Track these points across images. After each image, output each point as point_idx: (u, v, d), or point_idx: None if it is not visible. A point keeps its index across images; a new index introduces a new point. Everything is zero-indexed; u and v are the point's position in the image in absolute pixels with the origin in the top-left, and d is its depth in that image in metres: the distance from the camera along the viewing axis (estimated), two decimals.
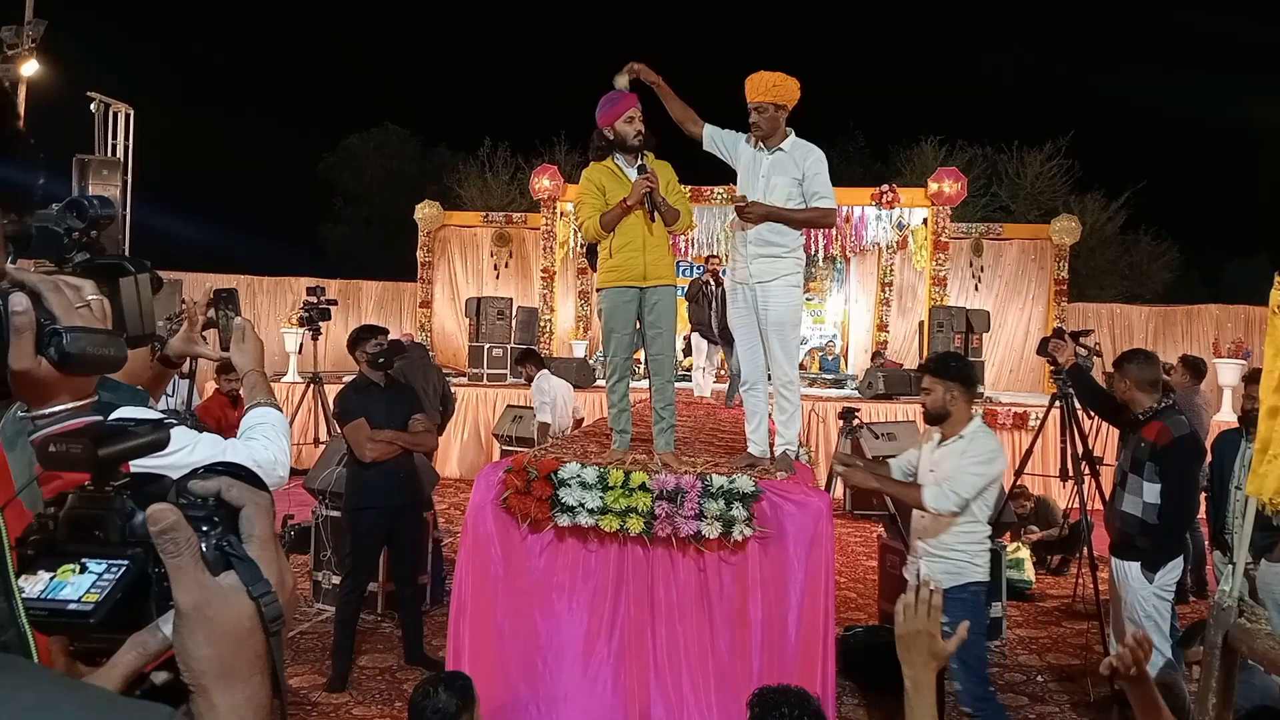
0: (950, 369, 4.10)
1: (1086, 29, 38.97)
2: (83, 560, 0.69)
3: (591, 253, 4.35)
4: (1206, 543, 6.50)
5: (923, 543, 4.04)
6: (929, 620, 1.72)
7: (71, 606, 0.66)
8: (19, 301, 0.86)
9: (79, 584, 0.68)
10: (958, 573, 3.89)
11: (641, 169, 4.01)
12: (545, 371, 7.68)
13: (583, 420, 8.42)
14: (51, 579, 0.68)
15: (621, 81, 4.05)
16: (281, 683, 0.72)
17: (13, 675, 0.59)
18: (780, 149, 4.02)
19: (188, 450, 2.05)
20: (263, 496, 0.75)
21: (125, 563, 0.69)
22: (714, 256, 9.73)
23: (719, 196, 13.83)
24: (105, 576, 0.68)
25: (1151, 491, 4.23)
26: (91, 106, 11.39)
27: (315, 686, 4.99)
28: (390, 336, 5.53)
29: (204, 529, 0.70)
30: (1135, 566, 4.24)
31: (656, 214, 3.99)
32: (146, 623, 0.68)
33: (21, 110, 9.95)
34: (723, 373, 8.93)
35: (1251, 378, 4.95)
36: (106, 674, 0.68)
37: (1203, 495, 5.66)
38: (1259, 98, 27.73)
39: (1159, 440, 4.26)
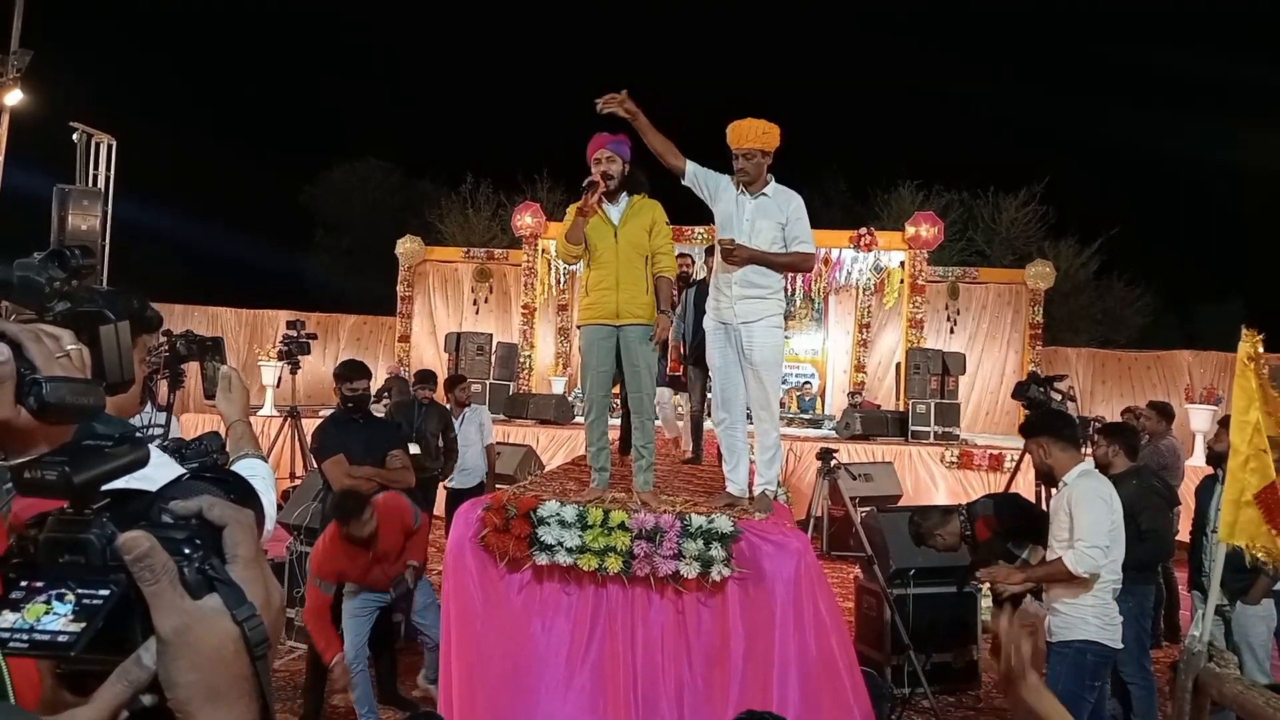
0: (1032, 426, 4.19)
1: (1063, 77, 39.77)
2: (63, 588, 0.68)
3: None
4: (1181, 587, 6.56)
5: (1045, 595, 4.06)
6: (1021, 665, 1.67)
7: (52, 637, 0.65)
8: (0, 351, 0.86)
9: (60, 612, 0.66)
10: (1066, 628, 3.89)
11: (592, 186, 3.99)
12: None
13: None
14: (32, 607, 0.67)
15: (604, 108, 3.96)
16: (270, 707, 0.71)
17: None
18: (764, 194, 4.08)
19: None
20: (245, 514, 0.74)
21: (107, 590, 0.67)
22: (684, 255, 8.54)
23: (699, 236, 13.93)
24: (87, 604, 0.67)
25: None
26: (74, 137, 11.37)
27: None
28: (372, 370, 5.52)
29: (185, 551, 0.69)
30: None
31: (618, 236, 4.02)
32: (133, 647, 0.67)
33: (4, 139, 9.92)
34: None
35: (1226, 422, 5.04)
36: (91, 707, 0.67)
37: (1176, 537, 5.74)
38: (1235, 143, 28.26)
39: None
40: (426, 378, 7.45)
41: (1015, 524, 4.37)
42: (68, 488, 0.71)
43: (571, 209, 4.12)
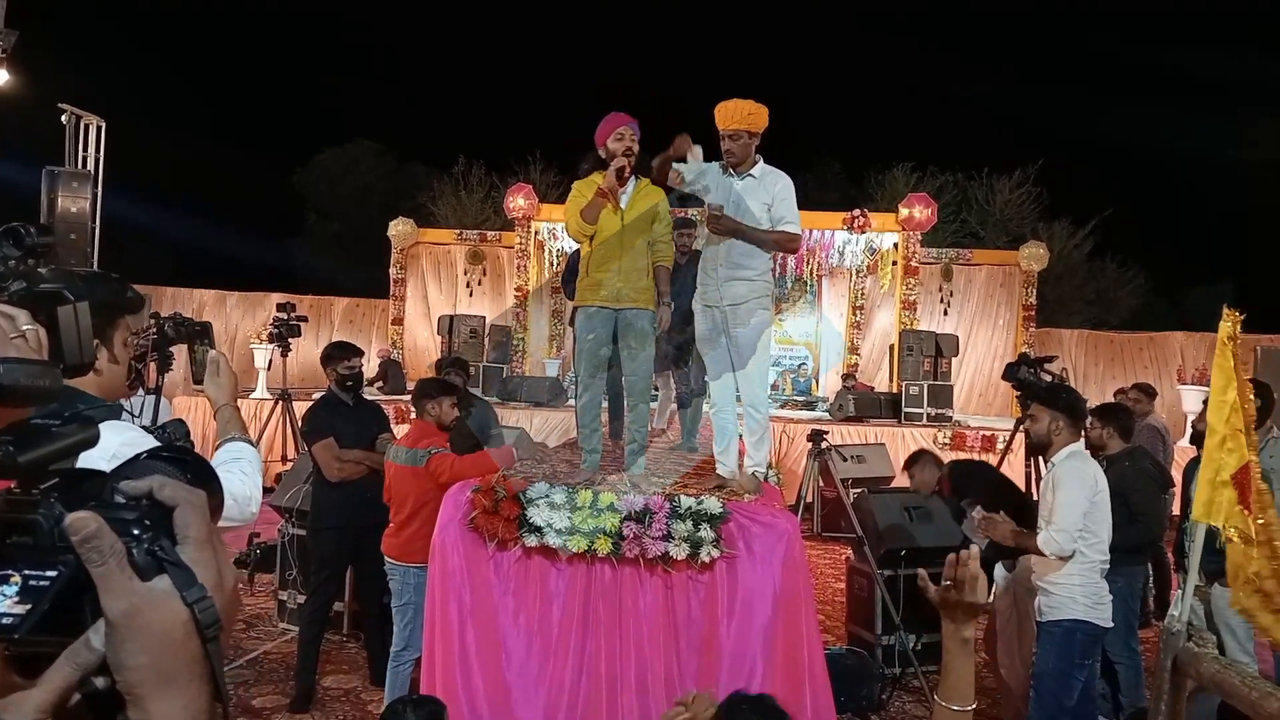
0: (1054, 396, 4.23)
1: (1056, 61, 39.70)
2: (9, 569, 0.66)
3: (567, 282, 4.32)
4: (1173, 566, 6.60)
5: (1034, 575, 4.11)
6: (972, 593, 1.73)
7: None
8: None
9: (6, 594, 0.65)
10: (1054, 608, 3.94)
11: (619, 172, 4.00)
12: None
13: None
14: None
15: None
16: (223, 689, 0.70)
17: None
18: (751, 175, 4.07)
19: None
20: (197, 495, 0.73)
21: (54, 572, 0.66)
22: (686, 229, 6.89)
23: (695, 219, 13.89)
24: (34, 586, 0.66)
25: None
26: (63, 118, 11.29)
27: (279, 707, 4.94)
28: (365, 352, 5.48)
29: (134, 532, 0.68)
30: None
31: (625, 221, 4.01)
32: (83, 629, 0.67)
33: None
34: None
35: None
36: (40, 689, 0.66)
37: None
38: (1228, 131, 28.34)
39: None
40: (457, 364, 6.61)
41: (965, 485, 4.73)
42: (13, 468, 0.70)
43: (580, 185, 4.12)
